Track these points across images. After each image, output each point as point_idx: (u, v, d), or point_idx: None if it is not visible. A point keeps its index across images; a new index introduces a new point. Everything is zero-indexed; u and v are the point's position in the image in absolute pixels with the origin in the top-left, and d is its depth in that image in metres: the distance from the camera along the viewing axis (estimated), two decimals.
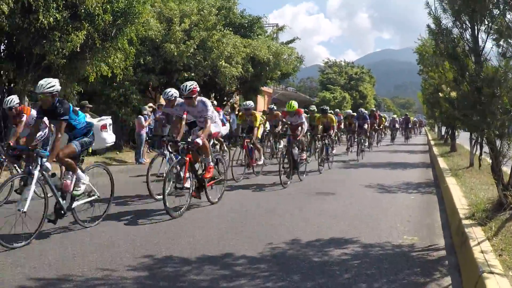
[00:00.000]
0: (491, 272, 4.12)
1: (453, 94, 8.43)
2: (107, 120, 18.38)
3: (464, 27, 6.70)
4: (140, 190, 10.24)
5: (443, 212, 8.68)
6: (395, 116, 43.17)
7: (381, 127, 31.69)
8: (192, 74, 22.51)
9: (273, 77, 30.48)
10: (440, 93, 13.68)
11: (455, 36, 7.02)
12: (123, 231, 6.94)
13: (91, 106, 16.39)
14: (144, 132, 17.84)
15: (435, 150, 21.51)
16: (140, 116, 17.86)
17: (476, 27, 6.59)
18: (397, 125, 39.04)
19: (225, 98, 29.85)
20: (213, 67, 23.24)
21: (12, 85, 14.64)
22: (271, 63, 27.90)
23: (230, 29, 26.05)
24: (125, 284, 4.80)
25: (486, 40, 6.57)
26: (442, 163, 14.58)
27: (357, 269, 5.34)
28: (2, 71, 14.00)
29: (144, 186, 9.58)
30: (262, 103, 42.47)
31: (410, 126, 41.01)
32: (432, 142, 29.78)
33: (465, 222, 6.18)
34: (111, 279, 4.90)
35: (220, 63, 23.11)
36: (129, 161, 18.03)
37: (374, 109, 33.84)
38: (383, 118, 34.54)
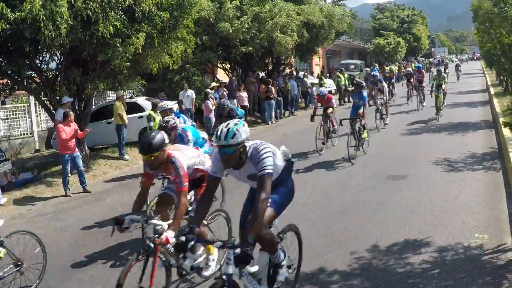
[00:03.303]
0: None
1: None
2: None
3: None
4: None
5: (509, 197, 9.32)
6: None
7: None
8: (249, 48, 23.16)
9: (328, 37, 30.71)
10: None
11: None
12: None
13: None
14: (212, 115, 18.82)
15: (496, 105, 21.63)
16: (207, 100, 18.79)
17: None
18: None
19: (282, 63, 30.35)
20: (268, 38, 23.73)
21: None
22: (325, 25, 28.24)
23: None
24: None
25: None
26: (506, 129, 14.89)
27: (436, 280, 6.14)
28: (70, 78, 14.60)
29: None
30: (317, 58, 42.44)
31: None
32: (492, 91, 29.64)
33: None
34: None
35: (276, 34, 23.55)
36: None
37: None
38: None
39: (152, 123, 14.58)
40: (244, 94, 22.11)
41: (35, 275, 6.69)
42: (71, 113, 12.71)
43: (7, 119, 19.63)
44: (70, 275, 7.18)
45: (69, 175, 12.55)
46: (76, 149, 12.48)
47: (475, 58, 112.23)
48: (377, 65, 47.18)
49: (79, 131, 12.55)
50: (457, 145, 14.61)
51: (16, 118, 19.77)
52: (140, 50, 13.80)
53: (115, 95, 18.32)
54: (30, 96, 19.12)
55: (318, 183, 11.34)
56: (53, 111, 14.74)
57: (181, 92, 20.39)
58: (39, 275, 6.70)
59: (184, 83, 20.94)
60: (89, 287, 6.70)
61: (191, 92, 20.25)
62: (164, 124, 8.38)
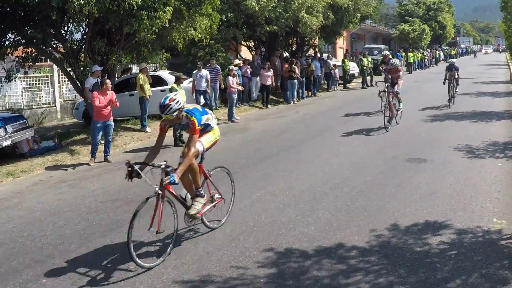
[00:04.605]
0: None
1: None
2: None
3: None
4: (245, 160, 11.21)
5: None
6: None
7: None
8: (275, 27, 23.05)
9: (353, 20, 30.43)
10: None
11: None
12: (243, 223, 7.77)
13: (186, 77, 17.11)
14: (235, 92, 18.80)
15: None
16: (229, 77, 18.76)
17: None
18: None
19: (306, 43, 30.15)
20: (294, 18, 23.59)
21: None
22: (350, 8, 28.04)
23: None
24: (259, 284, 5.77)
25: None
26: None
27: (454, 261, 6.15)
28: (94, 49, 14.85)
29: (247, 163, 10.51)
30: (341, 41, 42.09)
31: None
32: None
33: None
34: (245, 278, 5.88)
35: (301, 14, 23.41)
36: (221, 118, 18.90)
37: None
38: None
39: None
40: (268, 73, 21.89)
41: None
42: (108, 81, 12.57)
43: (30, 88, 19.82)
44: (89, 239, 7.28)
45: (101, 142, 12.67)
46: (111, 118, 12.46)
47: (500, 50, 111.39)
48: (402, 51, 46.80)
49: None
50: (479, 133, 14.52)
51: (38, 88, 19.96)
52: (166, 24, 13.84)
53: (138, 67, 18.32)
54: (54, 67, 19.27)
55: (337, 163, 11.36)
56: (77, 81, 14.86)
57: (194, 72, 18.84)
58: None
59: (198, 62, 20.07)
60: (109, 252, 6.77)
61: (205, 72, 18.70)
62: None
